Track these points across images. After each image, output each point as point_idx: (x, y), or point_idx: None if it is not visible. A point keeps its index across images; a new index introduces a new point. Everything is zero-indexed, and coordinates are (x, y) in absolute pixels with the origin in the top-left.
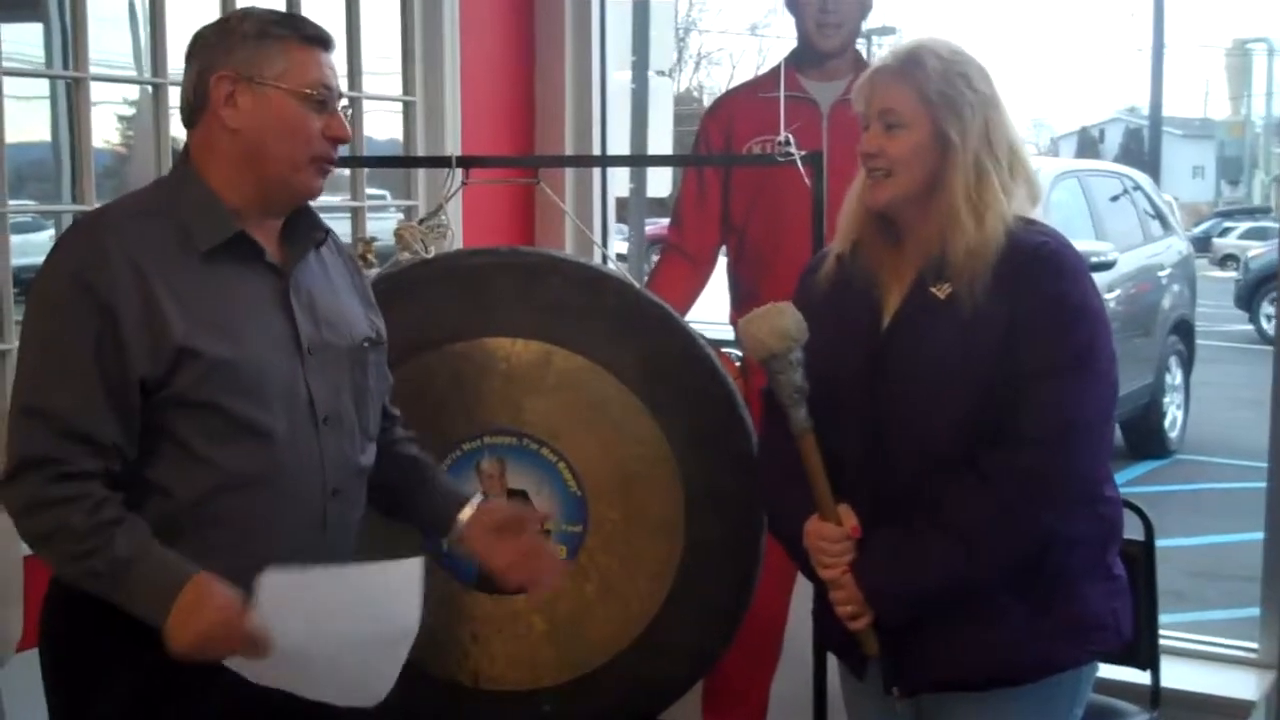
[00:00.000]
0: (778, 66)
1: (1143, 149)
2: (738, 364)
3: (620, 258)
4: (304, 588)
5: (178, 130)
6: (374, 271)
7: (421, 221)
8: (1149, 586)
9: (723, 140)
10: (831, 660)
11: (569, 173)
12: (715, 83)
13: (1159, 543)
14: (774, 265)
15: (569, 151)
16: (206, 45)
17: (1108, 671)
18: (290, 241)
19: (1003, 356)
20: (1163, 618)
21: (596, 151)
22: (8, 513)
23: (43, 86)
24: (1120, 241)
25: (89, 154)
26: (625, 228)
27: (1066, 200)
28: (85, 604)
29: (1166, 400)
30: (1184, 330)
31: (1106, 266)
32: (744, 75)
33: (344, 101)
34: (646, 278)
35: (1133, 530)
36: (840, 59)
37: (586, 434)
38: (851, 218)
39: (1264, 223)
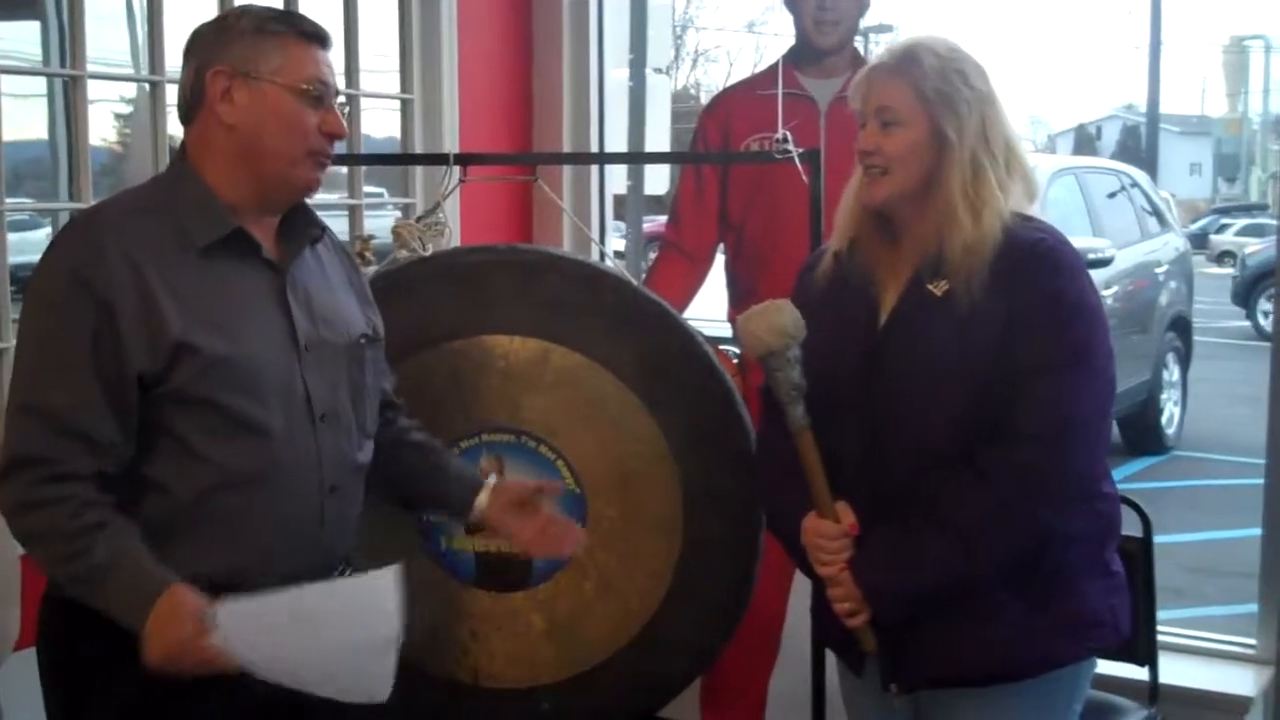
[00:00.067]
0: (775, 64)
1: (1140, 146)
2: (735, 361)
3: (618, 255)
4: (263, 615)
5: (175, 128)
6: (372, 269)
7: (419, 219)
8: (1147, 583)
9: (720, 138)
10: (830, 657)
11: (567, 170)
12: (712, 80)
13: (1156, 539)
14: (772, 263)
15: (567, 149)
16: (203, 42)
17: (1106, 668)
18: (287, 238)
19: (1000, 353)
20: (1161, 614)
21: (594, 149)
22: (1, 512)
23: (40, 84)
24: (1117, 238)
25: (86, 152)
26: (623, 225)
27: (1064, 197)
28: (83, 604)
29: (1164, 397)
30: (1181, 327)
31: (1104, 263)
32: (741, 73)
33: (341, 99)
34: (644, 275)
35: (1131, 527)
36: (838, 56)
37: (585, 431)
38: (849, 215)
39: (1261, 219)
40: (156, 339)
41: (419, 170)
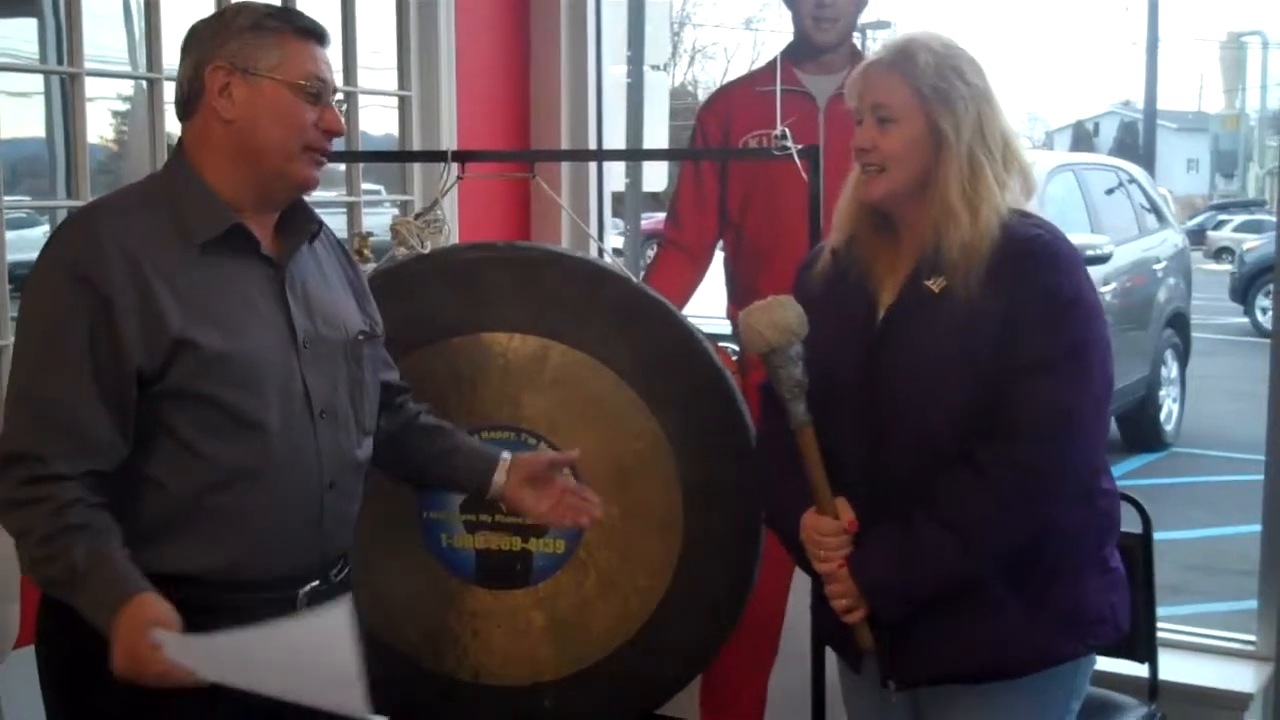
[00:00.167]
0: (774, 60)
1: (1137, 142)
2: (735, 359)
3: (616, 252)
4: (209, 648)
5: (173, 125)
6: (370, 267)
7: (418, 216)
8: (1147, 579)
9: (720, 134)
10: (830, 654)
11: (565, 167)
12: (710, 77)
13: (1155, 536)
14: (771, 260)
15: (565, 146)
16: (201, 38)
17: (1106, 664)
18: (285, 235)
19: (998, 349)
20: (1160, 611)
21: (592, 146)
22: None
23: (37, 82)
24: (1116, 235)
25: (84, 149)
26: (621, 222)
27: (1062, 194)
28: None
29: (1162, 393)
30: (1179, 323)
31: (1103, 259)
32: (739, 69)
33: (339, 96)
34: (643, 272)
35: (1130, 523)
36: (837, 52)
37: (584, 429)
38: (846, 212)
39: (1259, 215)
40: (155, 335)
41: (417, 167)
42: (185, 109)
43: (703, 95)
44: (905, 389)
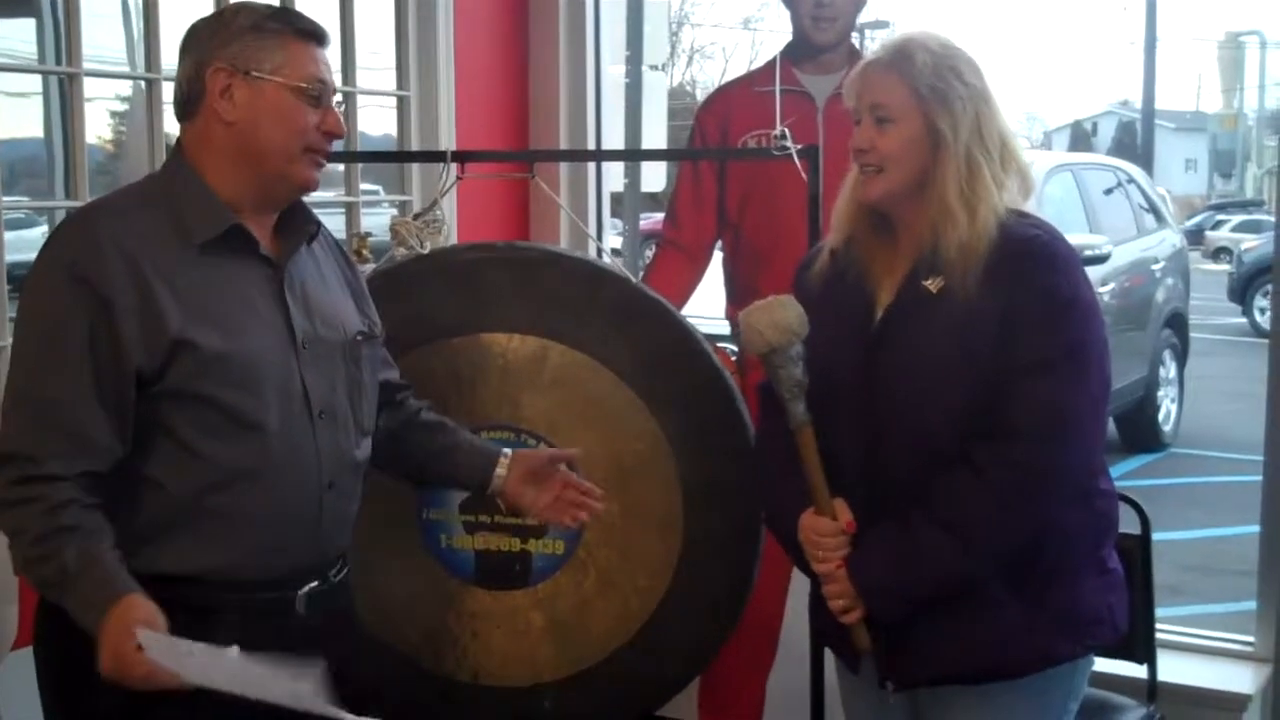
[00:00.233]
0: (773, 60)
1: (1135, 142)
2: (734, 359)
3: (614, 253)
4: (192, 653)
5: (171, 125)
6: (369, 267)
7: (417, 217)
8: (1145, 580)
9: (718, 134)
10: (830, 655)
11: (564, 167)
12: (708, 77)
13: (1154, 537)
14: (771, 260)
15: (563, 146)
16: (201, 39)
17: (1104, 665)
18: (284, 235)
19: (996, 350)
20: (1159, 612)
21: (591, 146)
22: None
23: (36, 82)
24: (1114, 235)
25: (82, 150)
26: (619, 222)
27: (1061, 194)
28: None
29: (1161, 394)
30: (1178, 323)
31: (1101, 259)
32: (737, 69)
33: (338, 97)
34: (642, 272)
35: (1129, 524)
36: (835, 52)
37: (584, 429)
38: (845, 213)
39: (1257, 215)
40: (154, 335)
41: (415, 167)
42: (185, 110)
43: (701, 95)
44: (903, 389)
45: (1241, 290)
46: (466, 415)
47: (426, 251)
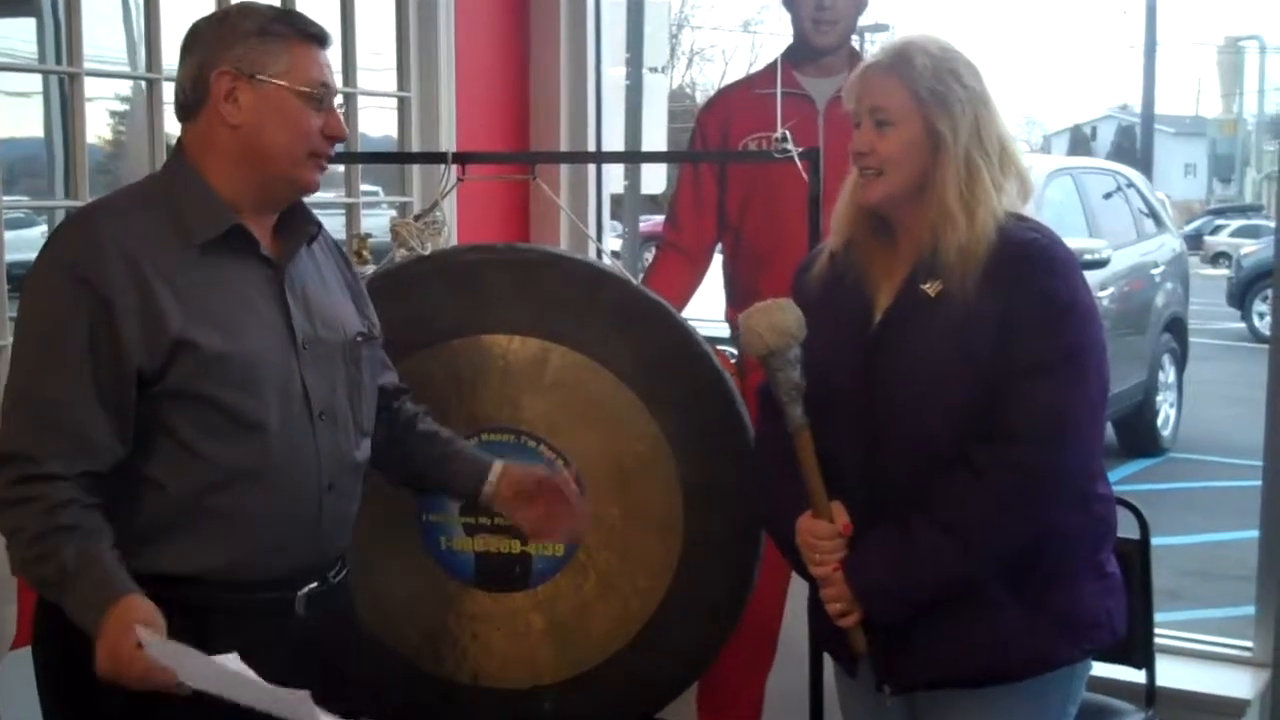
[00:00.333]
0: (774, 63)
1: (1135, 146)
2: (734, 361)
3: (615, 255)
4: (190, 657)
5: (172, 125)
6: (370, 268)
7: (417, 218)
8: (1144, 584)
9: (719, 136)
10: (829, 658)
11: (564, 169)
12: (708, 79)
13: (1153, 541)
14: (771, 262)
15: (564, 148)
16: (205, 40)
17: (1103, 670)
18: (284, 236)
19: (994, 353)
20: (1157, 616)
21: (591, 148)
22: None
23: (36, 82)
24: (1114, 239)
25: (83, 149)
26: (619, 224)
27: (1060, 198)
28: None
29: (1160, 398)
30: (1177, 328)
31: (1101, 264)
32: (737, 72)
33: (339, 99)
34: (641, 274)
35: (1127, 528)
36: (836, 55)
37: (585, 431)
38: (844, 216)
39: (1256, 220)
40: (155, 336)
41: (416, 169)
42: (187, 111)
43: (701, 98)
44: (902, 392)
45: (1240, 295)
46: (467, 417)
47: (427, 253)
